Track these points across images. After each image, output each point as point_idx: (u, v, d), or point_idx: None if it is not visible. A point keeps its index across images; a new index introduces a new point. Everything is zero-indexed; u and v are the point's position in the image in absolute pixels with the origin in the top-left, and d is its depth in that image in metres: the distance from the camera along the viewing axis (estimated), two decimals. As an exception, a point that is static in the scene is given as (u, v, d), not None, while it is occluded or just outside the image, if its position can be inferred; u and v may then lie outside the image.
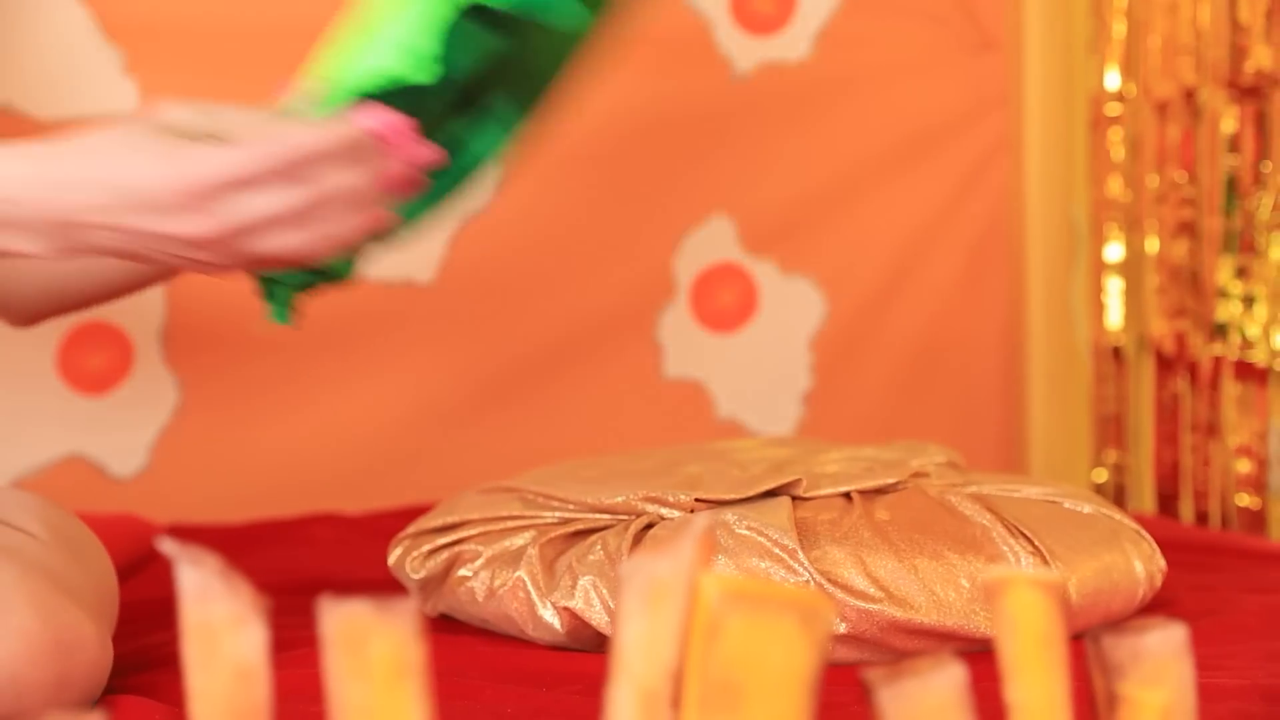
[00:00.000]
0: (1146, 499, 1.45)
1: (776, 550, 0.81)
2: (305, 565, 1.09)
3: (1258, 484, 1.30)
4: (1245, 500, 1.31)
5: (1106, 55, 1.49)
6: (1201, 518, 1.38)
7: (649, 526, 0.84)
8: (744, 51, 1.52)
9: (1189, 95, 1.39)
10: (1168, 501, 1.43)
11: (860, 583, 0.80)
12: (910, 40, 1.57)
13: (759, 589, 0.48)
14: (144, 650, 0.90)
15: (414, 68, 0.77)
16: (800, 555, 0.80)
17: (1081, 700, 0.55)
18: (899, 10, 1.56)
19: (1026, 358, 1.56)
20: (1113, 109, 1.49)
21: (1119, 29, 1.48)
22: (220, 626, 0.46)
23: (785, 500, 0.84)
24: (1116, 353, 1.49)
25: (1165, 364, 1.43)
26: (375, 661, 0.47)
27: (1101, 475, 1.50)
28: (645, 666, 0.50)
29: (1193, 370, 1.38)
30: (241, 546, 1.19)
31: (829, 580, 0.80)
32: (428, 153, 0.80)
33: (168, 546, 0.47)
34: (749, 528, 0.82)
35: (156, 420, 1.39)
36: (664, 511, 0.84)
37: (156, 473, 1.39)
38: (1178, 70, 1.41)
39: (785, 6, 1.52)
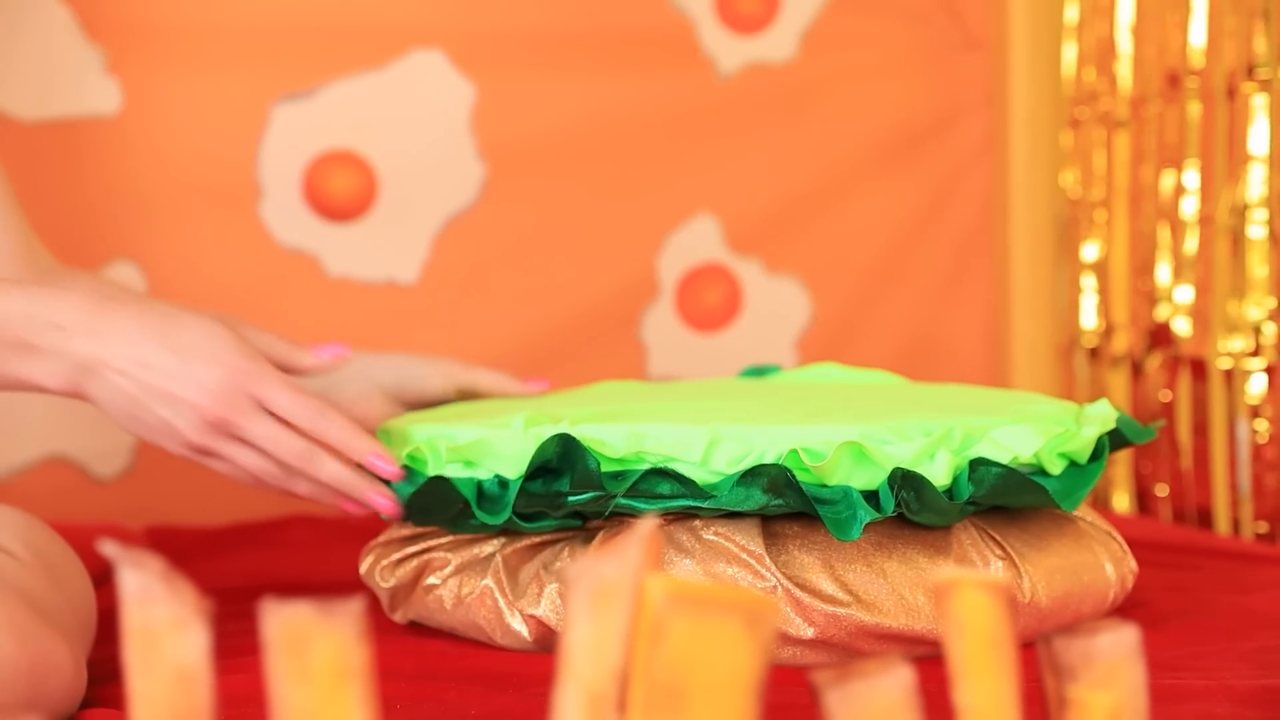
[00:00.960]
0: (1127, 498, 1.45)
1: (744, 555, 0.80)
2: (279, 568, 1.09)
3: (1235, 484, 1.30)
4: (1224, 500, 1.31)
5: (1088, 55, 1.49)
6: (1180, 517, 1.37)
7: (617, 534, 0.84)
8: (729, 51, 1.52)
9: (1167, 95, 1.39)
10: (1148, 501, 1.43)
11: (828, 587, 0.80)
12: (895, 40, 1.56)
13: (704, 591, 0.48)
14: (115, 658, 0.89)
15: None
16: (767, 560, 0.80)
17: (1039, 702, 0.55)
18: (884, 10, 1.55)
19: (1010, 356, 1.56)
20: (1092, 109, 1.48)
21: (1101, 29, 1.47)
22: (161, 629, 0.46)
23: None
24: (1095, 352, 1.49)
25: (1143, 363, 1.43)
26: (317, 664, 0.47)
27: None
28: (592, 669, 0.50)
29: (1171, 370, 1.38)
30: (217, 549, 1.19)
31: (797, 585, 0.80)
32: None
33: (108, 549, 0.47)
34: (716, 533, 0.81)
35: (139, 421, 1.39)
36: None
37: (139, 475, 1.38)
38: (1157, 70, 1.41)
39: (770, 6, 1.52)
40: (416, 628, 0.91)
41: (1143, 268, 1.43)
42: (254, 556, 1.15)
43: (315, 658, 0.47)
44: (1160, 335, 1.41)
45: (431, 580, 0.87)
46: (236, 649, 0.76)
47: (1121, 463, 1.45)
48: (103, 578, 1.03)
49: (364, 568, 0.92)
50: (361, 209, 1.43)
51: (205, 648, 0.47)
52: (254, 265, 1.42)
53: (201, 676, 0.46)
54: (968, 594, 0.50)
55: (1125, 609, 0.92)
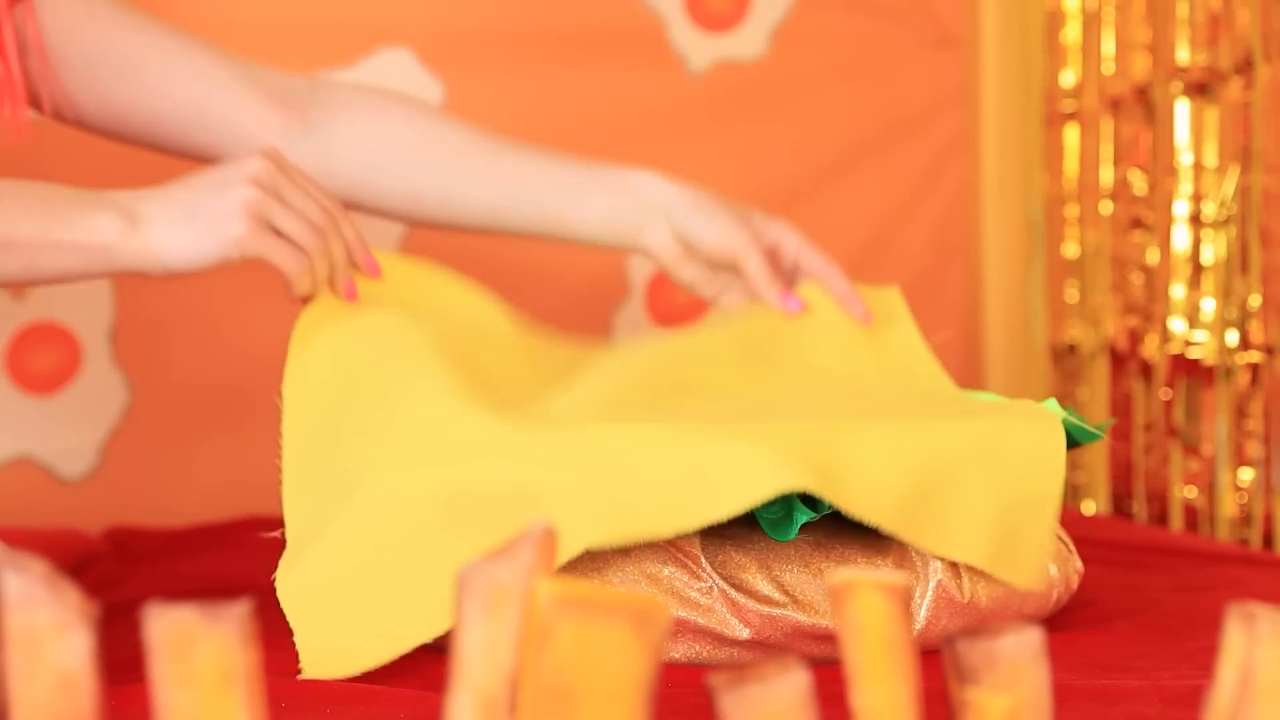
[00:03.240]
0: (1102, 498, 1.44)
1: (681, 556, 0.80)
2: (236, 570, 1.08)
3: (1207, 483, 1.29)
4: (1195, 499, 1.31)
5: (1062, 52, 1.49)
6: (1155, 518, 1.37)
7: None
8: (699, 49, 1.52)
9: (1142, 92, 1.39)
10: (1122, 501, 1.42)
11: (765, 588, 0.79)
12: (867, 37, 1.56)
13: (592, 594, 0.47)
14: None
15: None
16: (703, 561, 0.79)
17: (942, 704, 0.54)
18: (856, 7, 1.55)
19: (984, 355, 1.55)
20: (1068, 105, 1.48)
21: (1074, 26, 1.47)
22: (43, 633, 0.46)
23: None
24: (1071, 350, 1.49)
25: (1119, 362, 1.42)
26: (201, 669, 0.46)
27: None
28: (485, 673, 0.49)
29: (1146, 369, 1.38)
30: (175, 551, 1.19)
31: (733, 585, 0.79)
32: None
33: (-10, 552, 0.47)
34: (654, 531, 0.81)
35: (105, 421, 1.39)
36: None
37: (105, 474, 1.38)
38: (1131, 67, 1.40)
39: (740, 4, 1.52)
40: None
41: (1117, 266, 1.43)
42: (212, 558, 1.15)
43: (199, 662, 0.46)
44: (1136, 334, 1.40)
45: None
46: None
47: (1098, 464, 1.44)
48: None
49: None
50: (329, 208, 1.43)
51: (88, 652, 0.46)
52: (225, 264, 1.41)
53: (84, 681, 0.46)
54: (864, 596, 0.50)
55: (1072, 609, 0.92)
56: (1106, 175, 1.43)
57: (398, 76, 1.43)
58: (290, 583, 0.81)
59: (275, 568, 0.85)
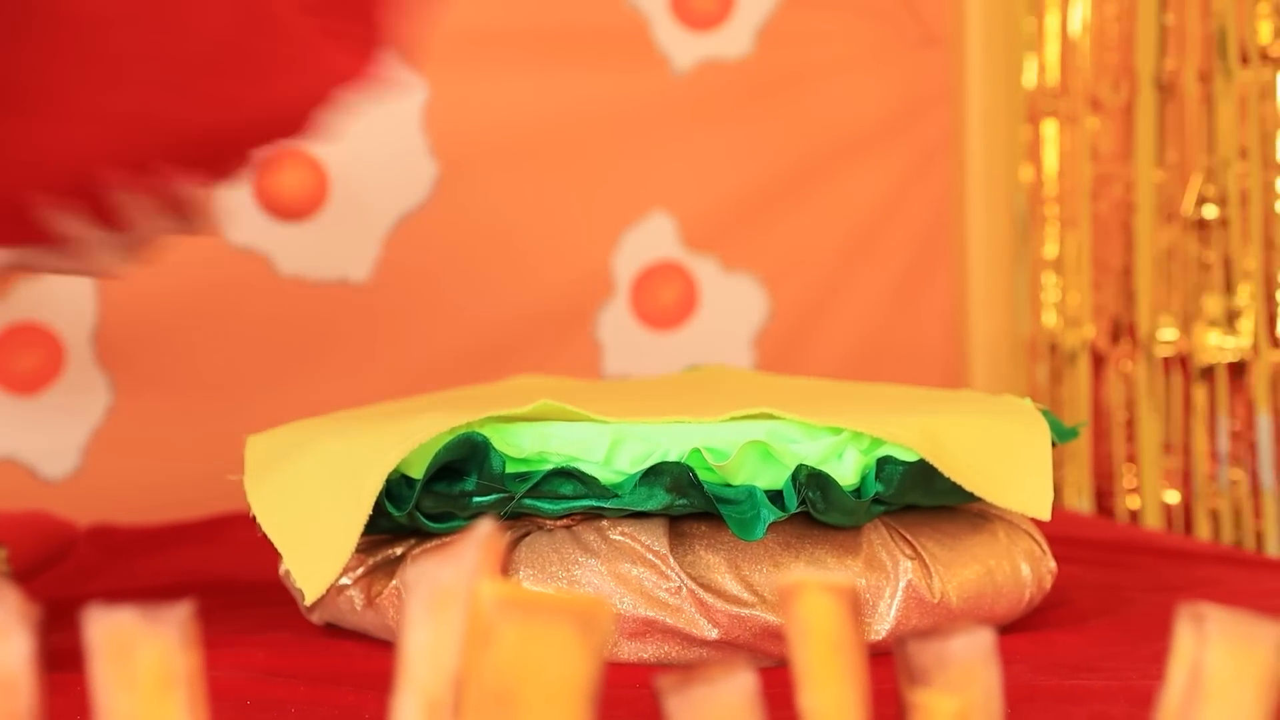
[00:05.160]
0: (1085, 497, 1.44)
1: (649, 556, 0.80)
2: (213, 566, 1.08)
3: (1188, 483, 1.29)
4: (1176, 498, 1.30)
5: (1044, 51, 1.49)
6: (1137, 517, 1.37)
7: (525, 534, 0.83)
8: (683, 48, 1.52)
9: (1121, 91, 1.38)
10: (1104, 500, 1.42)
11: (733, 587, 0.79)
12: (852, 36, 1.56)
13: (535, 596, 0.47)
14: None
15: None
16: (671, 560, 0.79)
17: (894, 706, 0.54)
18: (841, 6, 1.55)
19: (969, 354, 1.55)
20: (1050, 104, 1.48)
21: (1059, 23, 1.47)
22: (-17, 636, 0.46)
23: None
24: (1053, 349, 1.48)
25: (1100, 361, 1.42)
26: (142, 671, 0.46)
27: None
28: (429, 675, 0.49)
29: (1128, 367, 1.38)
30: (154, 547, 1.19)
31: (701, 585, 0.79)
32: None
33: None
34: (622, 533, 0.80)
35: (88, 421, 1.39)
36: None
37: (88, 474, 1.38)
38: (1110, 67, 1.40)
39: (725, 3, 1.52)
40: (332, 629, 0.90)
41: (1102, 264, 1.43)
42: (189, 554, 1.15)
43: (140, 664, 0.46)
44: (1120, 332, 1.40)
45: (343, 581, 0.86)
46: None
47: (1081, 462, 1.44)
48: (29, 573, 1.03)
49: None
50: (312, 208, 1.43)
51: (28, 655, 0.46)
52: (204, 265, 1.42)
53: (24, 684, 0.46)
54: (811, 597, 0.50)
55: (1046, 608, 0.92)
56: (1087, 174, 1.43)
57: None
58: (262, 497, 0.84)
59: (252, 564, 0.86)
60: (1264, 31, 1.22)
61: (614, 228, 1.51)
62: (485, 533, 0.49)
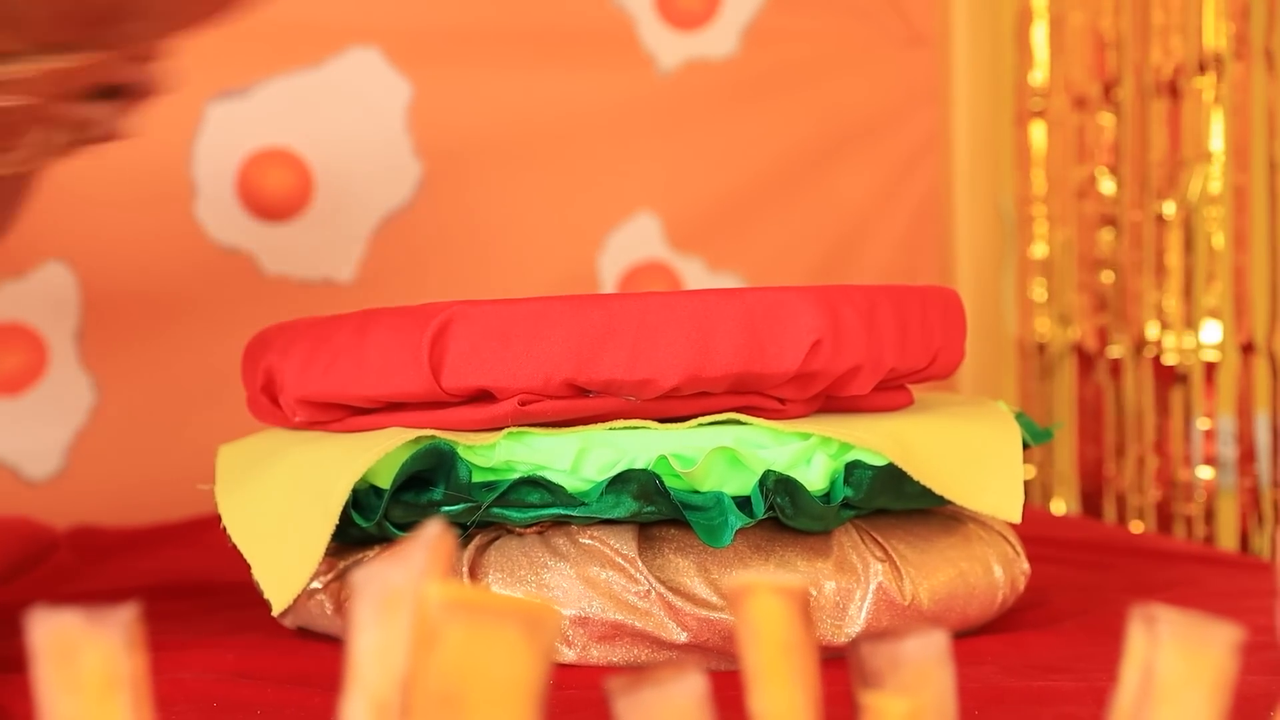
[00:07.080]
0: (1071, 498, 1.44)
1: (618, 559, 0.79)
2: (193, 568, 1.08)
3: (1175, 483, 1.29)
4: (1163, 499, 1.30)
5: (1031, 50, 1.48)
6: (1124, 517, 1.36)
7: (495, 539, 0.83)
8: (669, 48, 1.51)
9: (1109, 90, 1.38)
10: (1091, 500, 1.42)
11: (703, 591, 0.79)
12: (838, 36, 1.56)
13: (481, 598, 0.47)
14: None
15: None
16: (640, 564, 0.79)
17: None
18: (827, 5, 1.55)
19: (956, 355, 1.55)
20: (1036, 104, 1.48)
21: (1044, 24, 1.47)
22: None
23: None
24: (1041, 349, 1.48)
25: (1087, 361, 1.42)
26: (86, 673, 0.46)
27: (1029, 472, 1.49)
28: (378, 677, 0.49)
29: (1114, 368, 1.37)
30: (134, 548, 1.19)
31: (670, 589, 0.79)
32: None
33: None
34: (592, 537, 0.80)
35: (72, 422, 1.38)
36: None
37: (72, 475, 1.38)
38: (1099, 66, 1.40)
39: (710, 2, 1.52)
40: (304, 633, 0.90)
41: (1088, 265, 1.42)
42: (169, 556, 1.15)
43: (84, 667, 0.46)
44: (1104, 334, 1.40)
45: (314, 585, 0.86)
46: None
47: (1067, 463, 1.44)
48: (7, 577, 1.03)
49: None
50: (297, 207, 1.43)
51: (-29, 657, 0.46)
52: (189, 265, 1.42)
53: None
54: (761, 599, 0.49)
55: (1022, 609, 0.91)
56: (1074, 174, 1.43)
57: (365, 75, 1.43)
58: (231, 507, 0.84)
59: (231, 566, 0.86)
60: (1256, 31, 1.22)
61: (599, 228, 1.51)
62: (433, 534, 0.49)
